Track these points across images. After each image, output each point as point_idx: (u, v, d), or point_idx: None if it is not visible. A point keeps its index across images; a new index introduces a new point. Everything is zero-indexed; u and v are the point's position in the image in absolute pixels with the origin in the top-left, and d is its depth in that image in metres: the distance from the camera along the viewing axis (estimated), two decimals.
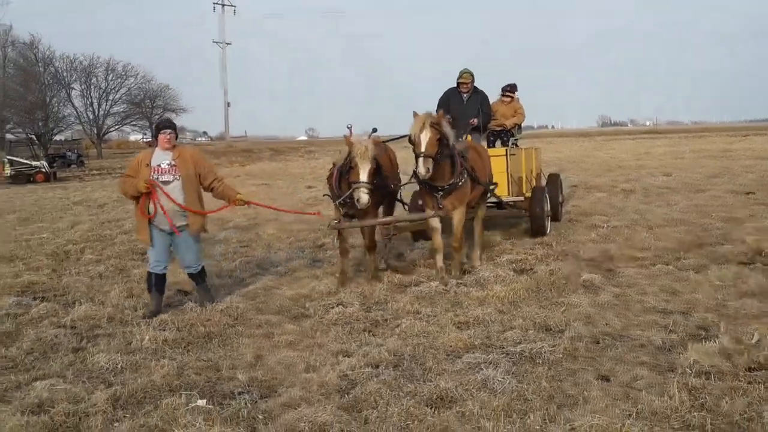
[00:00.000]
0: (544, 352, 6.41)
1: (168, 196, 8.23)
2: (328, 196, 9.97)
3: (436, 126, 8.86)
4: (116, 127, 78.65)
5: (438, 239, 9.62)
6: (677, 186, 20.46)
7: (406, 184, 10.73)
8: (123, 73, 74.89)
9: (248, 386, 5.96)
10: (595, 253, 10.80)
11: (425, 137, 8.80)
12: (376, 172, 9.14)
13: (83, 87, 73.08)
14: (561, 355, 6.38)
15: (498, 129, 13.49)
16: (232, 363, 6.60)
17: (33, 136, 60.92)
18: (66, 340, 7.53)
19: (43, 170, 40.45)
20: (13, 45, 67.10)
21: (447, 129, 9.09)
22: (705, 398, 5.31)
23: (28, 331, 7.73)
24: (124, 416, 5.42)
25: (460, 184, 9.35)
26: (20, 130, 65.06)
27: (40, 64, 67.85)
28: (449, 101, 12.23)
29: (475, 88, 12.31)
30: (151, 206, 8.23)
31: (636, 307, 7.87)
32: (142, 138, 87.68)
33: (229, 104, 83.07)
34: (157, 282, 8.51)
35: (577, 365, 6.15)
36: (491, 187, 10.89)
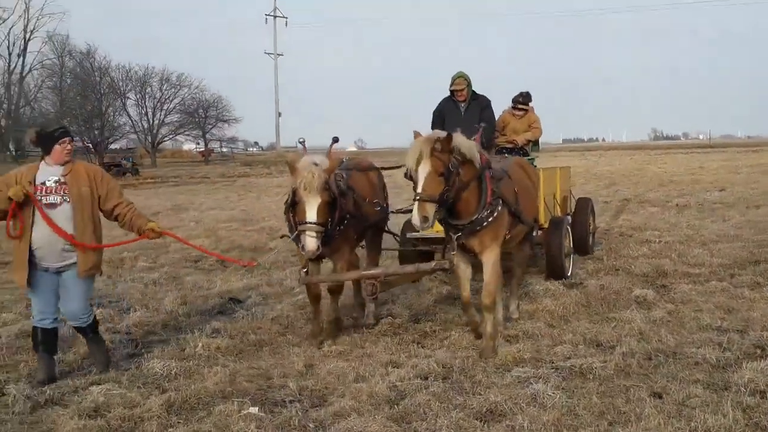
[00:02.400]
0: (595, 368, 6.36)
1: (50, 223, 6.40)
2: (287, 236, 7.73)
3: (440, 155, 6.52)
4: (170, 136, 79.93)
5: (466, 290, 7.31)
6: (732, 201, 20.13)
7: (400, 211, 9.46)
8: (177, 83, 76.14)
9: (299, 395, 6.02)
10: (648, 269, 10.67)
11: (424, 172, 6.48)
12: (334, 205, 7.09)
13: (138, 96, 74.47)
14: (612, 371, 6.32)
15: (508, 146, 11.05)
16: (283, 371, 6.67)
17: (90, 145, 62.27)
18: (121, 345, 7.70)
19: None
20: (70, 55, 68.71)
21: (468, 150, 6.80)
22: (759, 417, 5.22)
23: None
24: (178, 422, 5.51)
25: (490, 220, 6.96)
26: (77, 138, 66.58)
27: (96, 74, 69.31)
28: (443, 114, 10.09)
29: (474, 93, 10.02)
30: (20, 224, 6.40)
31: (690, 324, 7.76)
32: (195, 147, 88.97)
33: (280, 114, 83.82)
34: (44, 339, 6.63)
35: (630, 382, 6.08)
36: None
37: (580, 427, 5.20)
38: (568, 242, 10.59)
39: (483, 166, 6.98)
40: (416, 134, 6.79)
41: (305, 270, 7.49)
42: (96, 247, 6.64)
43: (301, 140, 7.95)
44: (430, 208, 6.45)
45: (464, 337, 7.46)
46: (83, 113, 64.60)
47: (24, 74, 66.67)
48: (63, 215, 6.47)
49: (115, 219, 6.86)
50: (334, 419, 5.45)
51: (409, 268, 7.76)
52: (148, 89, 75.14)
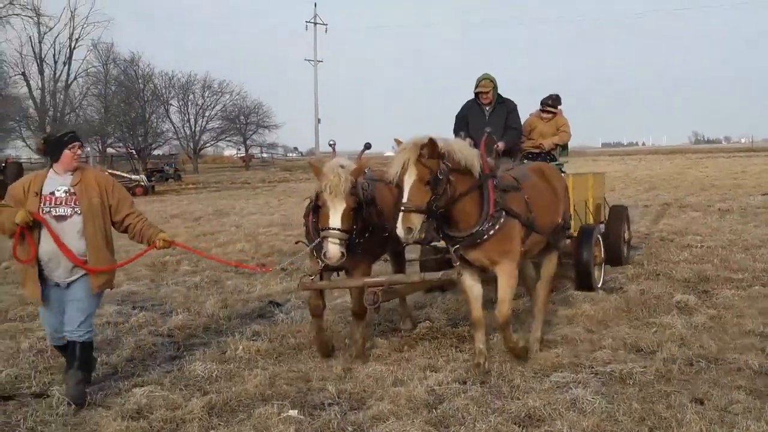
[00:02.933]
0: (635, 373, 6.31)
1: (59, 243, 6.06)
2: (303, 242, 7.35)
3: (426, 162, 6.09)
4: (212, 142, 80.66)
5: (476, 310, 6.91)
6: None
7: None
8: (219, 90, 76.82)
9: (338, 398, 6.07)
10: (689, 274, 10.55)
11: (409, 180, 6.09)
12: (359, 212, 6.72)
13: (181, 103, 75.25)
14: (653, 377, 6.27)
15: (535, 151, 10.59)
16: (322, 374, 6.72)
17: (133, 151, 63.12)
18: (164, 348, 7.82)
19: (142, 184, 41.82)
20: (114, 62, 69.71)
21: (464, 157, 6.36)
22: None
23: (128, 339, 8.03)
24: (219, 424, 5.59)
25: (491, 233, 6.47)
26: (121, 144, 67.49)
27: (140, 81, 70.22)
28: (467, 118, 9.66)
29: (500, 96, 9.62)
30: (31, 248, 6.07)
31: (733, 329, 7.67)
32: (236, 153, 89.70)
33: (319, 120, 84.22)
34: (70, 354, 6.29)
35: (671, 387, 6.03)
36: (563, 231, 7.92)
37: None
38: (600, 252, 10.00)
39: (485, 174, 6.53)
40: (397, 142, 6.44)
41: (311, 277, 7.01)
42: (107, 269, 6.30)
43: (331, 143, 7.82)
44: (416, 219, 6.03)
45: (502, 342, 7.44)
46: (127, 120, 65.58)
47: (69, 82, 67.72)
48: (73, 228, 6.15)
49: (125, 230, 6.50)
50: (373, 423, 5.48)
51: (415, 277, 7.21)
52: (191, 96, 75.94)
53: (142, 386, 6.43)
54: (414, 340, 7.81)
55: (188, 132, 76.08)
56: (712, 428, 5.15)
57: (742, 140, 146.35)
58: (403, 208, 6.06)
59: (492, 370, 6.60)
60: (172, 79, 74.20)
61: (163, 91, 73.43)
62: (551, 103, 10.83)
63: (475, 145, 8.75)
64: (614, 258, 11.12)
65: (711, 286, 9.81)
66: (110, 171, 42.21)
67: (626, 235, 11.86)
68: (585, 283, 9.63)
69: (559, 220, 7.52)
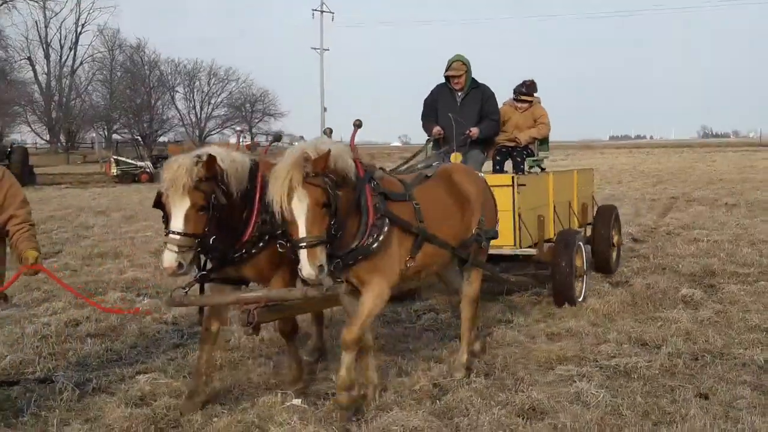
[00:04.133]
0: (640, 367, 6.29)
1: None
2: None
3: (314, 181, 4.94)
4: (217, 130, 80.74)
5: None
6: None
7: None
8: (225, 78, 76.87)
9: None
10: (695, 268, 10.52)
11: (301, 208, 4.92)
12: (236, 210, 5.48)
13: (186, 90, 75.36)
14: (657, 371, 6.25)
15: (509, 145, 9.43)
16: (326, 364, 6.71)
17: (138, 137, 63.23)
18: (167, 336, 7.81)
19: (148, 170, 41.82)
20: (120, 48, 69.78)
21: (341, 163, 5.19)
22: None
23: (132, 326, 8.02)
24: (222, 412, 5.58)
25: (375, 246, 5.37)
26: (126, 131, 67.59)
27: (146, 68, 70.28)
28: (437, 104, 8.75)
29: (474, 81, 8.69)
30: None
31: (738, 324, 7.64)
32: (242, 141, 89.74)
33: (325, 109, 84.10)
34: None
35: (675, 382, 6.01)
36: (484, 241, 6.56)
37: (624, 427, 5.15)
38: (581, 260, 8.76)
39: (361, 178, 5.40)
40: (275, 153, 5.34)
41: (184, 290, 5.68)
42: None
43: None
44: (323, 252, 4.97)
45: (506, 334, 7.44)
46: (132, 106, 65.71)
47: (75, 67, 67.94)
48: None
49: (7, 233, 5.43)
50: (376, 413, 5.47)
51: (296, 292, 5.59)
52: (197, 83, 76.02)
53: (146, 373, 6.43)
54: (418, 332, 7.80)
55: (194, 119, 76.16)
56: (716, 423, 5.12)
57: (751, 135, 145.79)
58: (304, 243, 4.91)
59: (496, 363, 6.58)
60: (178, 65, 74.31)
61: (169, 77, 73.54)
62: (525, 90, 9.57)
63: (445, 137, 8.43)
64: (601, 264, 10.12)
65: (717, 281, 9.78)
66: (115, 157, 42.31)
67: (615, 239, 10.56)
68: (564, 296, 8.41)
69: (472, 231, 6.34)
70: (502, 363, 6.59)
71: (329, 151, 5.03)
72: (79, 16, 67.89)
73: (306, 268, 4.94)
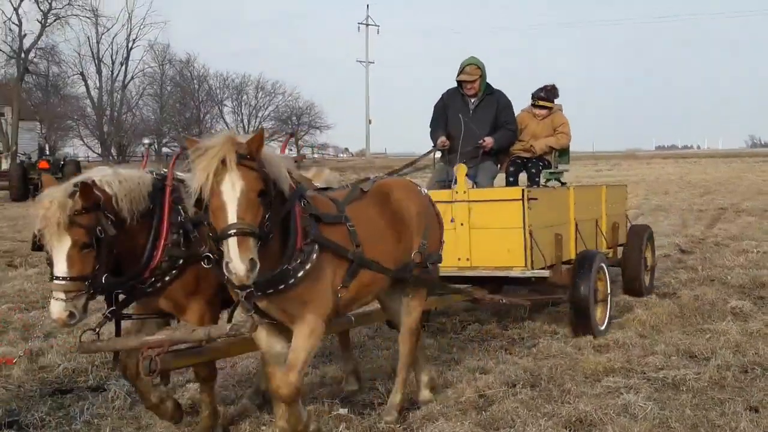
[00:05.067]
0: (689, 380, 6.23)
1: None
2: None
3: (250, 165, 4.25)
4: (265, 143, 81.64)
5: (273, 377, 4.87)
6: None
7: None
8: (272, 91, 77.61)
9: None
10: (744, 279, 10.37)
11: (233, 191, 4.18)
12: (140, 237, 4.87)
13: (234, 104, 76.21)
14: (706, 384, 6.18)
15: (524, 155, 8.75)
16: (372, 374, 6.77)
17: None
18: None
19: None
20: (170, 63, 70.90)
21: (276, 171, 4.46)
22: None
23: None
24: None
25: (301, 273, 4.63)
26: (176, 144, 68.59)
27: (195, 82, 71.28)
28: (447, 110, 8.22)
29: (489, 87, 8.18)
30: None
31: None
32: (288, 153, 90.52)
33: (370, 121, 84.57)
34: None
35: (725, 395, 5.94)
36: (428, 266, 5.77)
37: None
38: (604, 284, 7.97)
39: (291, 194, 4.64)
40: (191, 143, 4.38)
41: (92, 335, 5.02)
42: None
43: (146, 143, 6.87)
44: (255, 249, 4.16)
45: (552, 345, 7.41)
46: (182, 120, 66.71)
47: (126, 82, 69.09)
48: None
49: None
50: (422, 423, 5.50)
51: (199, 333, 4.84)
52: (244, 97, 76.85)
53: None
54: (463, 342, 7.82)
55: (241, 132, 76.81)
56: None
57: None
58: (233, 231, 4.11)
59: (542, 374, 6.57)
60: (227, 80, 75.17)
61: (218, 91, 74.44)
62: (545, 95, 8.83)
63: (452, 147, 7.98)
64: (633, 288, 9.42)
65: (767, 292, 9.63)
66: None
67: (648, 261, 9.79)
68: (581, 324, 7.61)
69: (412, 254, 5.59)
70: (548, 374, 6.57)
71: (262, 129, 4.50)
72: (130, 32, 69.09)
73: (236, 262, 4.07)
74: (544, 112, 8.78)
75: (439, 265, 6.07)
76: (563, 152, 9.00)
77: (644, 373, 6.53)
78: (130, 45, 68.33)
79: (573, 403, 5.75)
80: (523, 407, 5.71)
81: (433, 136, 8.27)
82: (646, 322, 8.17)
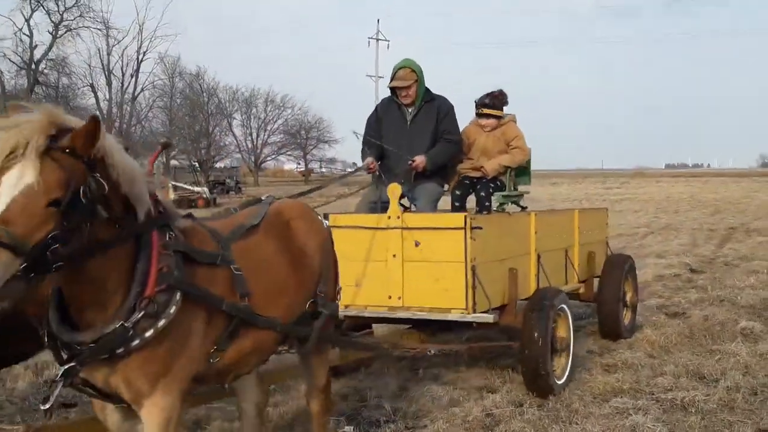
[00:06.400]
0: (698, 401, 6.17)
1: None
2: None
3: (60, 158, 3.04)
4: (273, 156, 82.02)
5: None
6: None
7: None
8: (281, 105, 78.06)
9: (394, 415, 6.05)
10: (755, 300, 10.30)
11: (13, 183, 2.94)
12: None
13: (243, 117, 76.70)
14: (716, 405, 6.12)
15: (474, 175, 7.39)
16: (378, 392, 6.72)
17: (196, 163, 64.44)
18: None
19: (204, 196, 42.56)
20: (180, 76, 71.31)
21: (121, 168, 3.28)
22: None
23: None
24: None
25: (148, 334, 3.37)
26: (184, 156, 68.91)
27: (204, 95, 71.70)
28: (381, 123, 7.15)
29: (428, 92, 7.04)
30: None
31: None
32: (296, 167, 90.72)
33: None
34: None
35: (734, 417, 5.88)
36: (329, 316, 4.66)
37: None
38: (565, 329, 6.72)
39: (150, 220, 3.48)
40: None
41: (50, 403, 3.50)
42: None
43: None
44: (9, 266, 2.89)
45: None
46: (191, 132, 67.12)
47: (136, 94, 69.46)
48: None
49: None
50: None
51: None
52: (253, 110, 77.30)
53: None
54: (471, 361, 7.77)
55: (250, 145, 77.31)
56: None
57: None
58: None
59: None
60: (236, 93, 75.64)
61: (227, 104, 74.88)
62: (489, 102, 7.40)
63: (388, 166, 6.84)
64: (609, 328, 8.25)
65: None
66: (173, 182, 43.15)
67: (629, 297, 8.60)
68: (534, 377, 6.32)
69: (308, 302, 4.46)
70: (555, 394, 6.53)
71: (95, 119, 3.12)
72: (140, 44, 69.50)
73: None
74: (491, 122, 7.38)
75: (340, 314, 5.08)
76: (522, 171, 7.67)
77: (653, 394, 6.47)
78: (140, 57, 68.67)
79: (581, 424, 5.71)
80: (530, 427, 5.67)
81: (363, 157, 7.17)
82: (655, 343, 8.11)
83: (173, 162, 66.88)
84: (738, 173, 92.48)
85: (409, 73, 6.88)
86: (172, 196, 41.34)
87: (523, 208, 7.59)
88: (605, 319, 8.24)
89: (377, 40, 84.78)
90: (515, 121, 7.56)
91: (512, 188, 7.48)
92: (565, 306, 6.69)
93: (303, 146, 79.96)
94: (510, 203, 7.49)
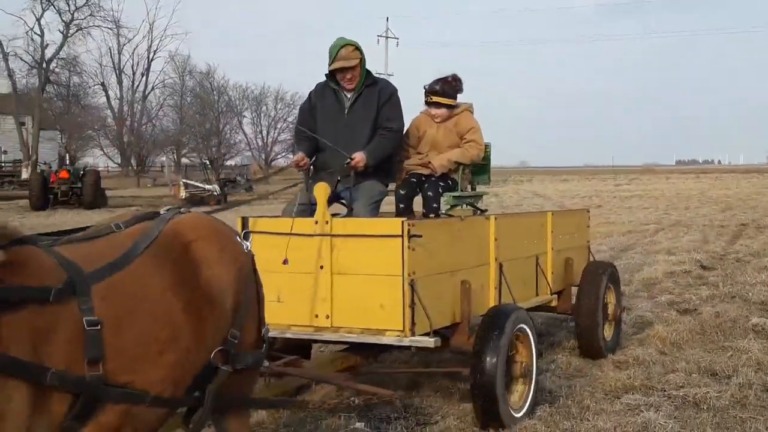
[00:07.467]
0: (710, 398, 6.15)
1: None
2: None
3: None
4: (283, 154, 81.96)
5: None
6: None
7: None
8: (291, 102, 78.03)
9: (405, 412, 6.05)
10: (767, 296, 10.26)
11: None
12: None
13: (254, 115, 76.72)
14: (728, 402, 6.11)
15: (422, 172, 6.40)
16: (389, 388, 6.71)
17: (207, 161, 64.61)
18: None
19: (215, 193, 42.57)
20: (190, 74, 71.55)
21: None
22: None
23: None
24: None
25: None
26: (195, 154, 69.09)
27: (215, 93, 71.84)
28: (315, 113, 6.22)
29: (369, 75, 6.14)
30: None
31: None
32: None
33: None
34: None
35: (746, 414, 5.86)
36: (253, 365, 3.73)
37: None
38: (527, 352, 5.80)
39: None
40: None
41: None
42: None
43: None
44: None
45: (572, 362, 7.36)
46: (201, 131, 67.26)
47: (146, 93, 69.80)
48: None
49: None
50: None
51: None
52: (264, 108, 77.32)
53: None
54: None
55: (260, 143, 77.39)
56: None
57: None
58: None
59: (561, 391, 6.52)
60: (246, 91, 75.71)
61: (237, 102, 74.95)
62: (440, 89, 6.39)
63: (324, 163, 6.11)
64: (587, 344, 7.39)
65: None
66: (184, 180, 43.29)
67: (611, 310, 7.70)
68: (484, 410, 5.38)
69: (216, 351, 3.38)
70: (567, 391, 6.51)
71: None
72: (151, 43, 69.94)
73: None
74: (441, 111, 6.37)
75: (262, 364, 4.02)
76: (481, 169, 6.82)
77: (665, 391, 6.46)
78: (151, 56, 69.05)
79: (592, 420, 5.70)
80: (541, 424, 5.65)
81: (294, 151, 6.49)
82: (667, 339, 8.10)
83: (184, 160, 67.13)
84: (748, 169, 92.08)
85: (352, 51, 5.93)
86: (183, 194, 41.58)
87: (482, 211, 6.76)
88: (583, 333, 7.35)
89: (386, 38, 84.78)
90: (471, 111, 6.56)
91: (466, 188, 6.62)
92: (525, 326, 5.71)
93: None
94: (464, 205, 6.59)
